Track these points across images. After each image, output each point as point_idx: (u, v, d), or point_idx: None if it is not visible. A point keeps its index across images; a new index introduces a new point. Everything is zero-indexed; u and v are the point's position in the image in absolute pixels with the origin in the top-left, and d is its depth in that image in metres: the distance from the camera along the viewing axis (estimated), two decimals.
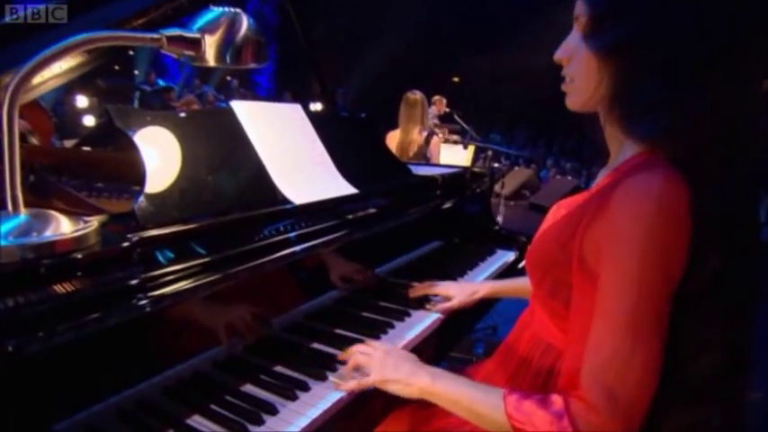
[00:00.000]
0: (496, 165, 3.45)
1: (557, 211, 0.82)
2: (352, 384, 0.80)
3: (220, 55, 0.79)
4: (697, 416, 0.68)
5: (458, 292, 1.18)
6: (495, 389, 0.70)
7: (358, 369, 0.81)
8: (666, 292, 0.63)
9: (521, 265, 1.59)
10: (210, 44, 0.78)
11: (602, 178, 0.78)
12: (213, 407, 0.76)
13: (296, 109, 1.26)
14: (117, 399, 0.68)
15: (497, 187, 3.94)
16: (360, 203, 1.20)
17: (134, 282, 0.71)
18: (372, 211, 1.21)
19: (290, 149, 1.17)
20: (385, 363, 0.78)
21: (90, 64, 1.12)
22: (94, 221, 0.73)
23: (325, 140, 1.25)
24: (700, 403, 0.68)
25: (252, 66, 0.85)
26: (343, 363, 0.86)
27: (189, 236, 0.82)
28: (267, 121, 1.16)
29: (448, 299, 1.17)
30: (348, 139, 1.36)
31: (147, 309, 0.70)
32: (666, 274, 0.62)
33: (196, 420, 0.74)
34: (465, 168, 1.76)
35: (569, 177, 7.33)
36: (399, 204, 1.33)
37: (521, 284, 1.14)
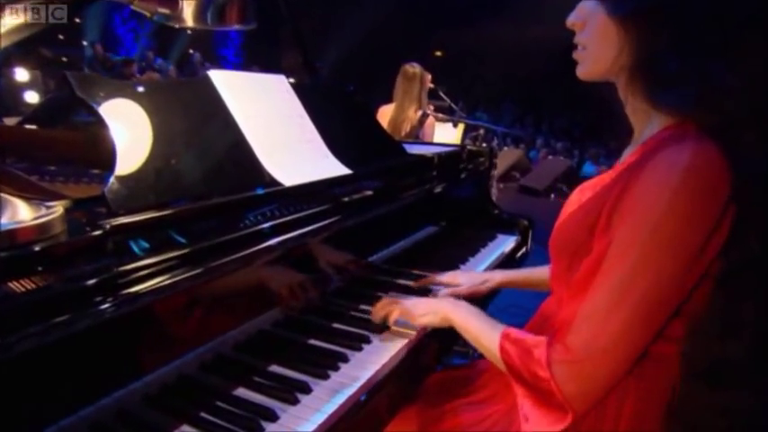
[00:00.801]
0: (489, 145, 3.43)
1: (581, 194, 0.82)
2: (396, 313, 0.95)
3: (200, 13, 0.73)
4: (726, 398, 0.71)
5: (466, 280, 1.18)
6: (502, 325, 0.80)
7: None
8: (674, 268, 0.64)
9: (520, 254, 1.59)
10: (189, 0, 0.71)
11: (628, 155, 0.77)
12: (203, 415, 0.72)
13: (280, 80, 1.21)
14: (90, 410, 0.63)
15: None
16: (355, 185, 1.16)
17: (109, 276, 0.65)
18: (369, 193, 1.17)
19: (276, 126, 1.12)
20: (415, 304, 0.95)
21: (28, 29, 1.02)
22: (59, 207, 0.67)
23: (313, 116, 1.20)
24: (729, 385, 0.71)
25: (236, 27, 0.79)
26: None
27: (169, 223, 0.77)
28: (249, 94, 1.10)
29: (455, 287, 1.16)
30: (337, 114, 1.32)
31: (125, 308, 0.65)
32: (681, 249, 0.63)
33: (183, 430, 0.70)
34: (462, 147, 1.73)
35: (561, 158, 7.40)
36: (396, 186, 1.30)
37: (537, 275, 1.14)
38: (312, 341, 0.94)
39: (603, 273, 0.67)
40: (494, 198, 2.83)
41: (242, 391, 0.78)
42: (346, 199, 1.10)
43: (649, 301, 0.65)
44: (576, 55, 0.76)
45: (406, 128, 3.02)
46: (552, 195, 5.27)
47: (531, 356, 0.71)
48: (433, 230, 1.52)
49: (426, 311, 0.92)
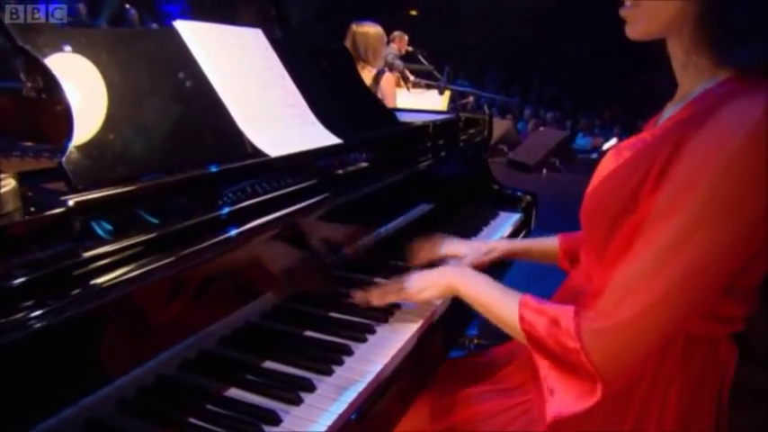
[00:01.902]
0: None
1: (617, 156, 0.81)
2: (392, 296, 0.94)
3: None
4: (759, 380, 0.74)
5: (469, 250, 1.17)
6: (515, 292, 0.80)
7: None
8: (729, 235, 0.64)
9: (524, 233, 1.59)
10: None
11: (674, 112, 0.76)
12: (193, 420, 0.69)
13: (258, 35, 1.15)
14: (56, 421, 0.59)
15: None
16: (347, 156, 1.13)
17: (73, 263, 0.60)
18: (364, 165, 1.14)
19: (256, 88, 1.07)
20: (413, 280, 0.93)
21: None
22: (10, 179, 0.61)
23: (296, 77, 1.15)
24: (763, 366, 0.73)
25: None
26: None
27: (140, 199, 0.72)
28: (224, 51, 1.04)
29: (457, 259, 1.16)
30: (322, 75, 1.28)
31: (92, 300, 0.61)
32: (739, 214, 0.63)
33: None
34: (457, 114, 1.71)
35: (555, 129, 7.45)
36: (391, 158, 1.27)
37: (545, 245, 1.14)
38: (309, 333, 0.92)
39: (648, 235, 0.67)
40: None
41: (235, 392, 0.76)
42: (340, 171, 1.06)
43: (697, 268, 0.64)
44: (624, 12, 0.74)
45: None
46: (544, 171, 5.31)
47: (558, 326, 0.71)
48: (429, 208, 1.50)
49: (426, 285, 0.92)
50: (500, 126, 6.18)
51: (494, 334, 1.38)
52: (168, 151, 0.83)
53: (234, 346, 0.82)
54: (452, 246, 1.19)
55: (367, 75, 3.00)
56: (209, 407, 0.72)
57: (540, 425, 0.77)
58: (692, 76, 0.75)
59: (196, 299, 0.78)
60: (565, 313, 0.72)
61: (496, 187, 1.74)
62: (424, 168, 1.45)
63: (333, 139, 1.13)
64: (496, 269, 1.27)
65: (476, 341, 2.02)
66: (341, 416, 0.71)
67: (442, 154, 1.50)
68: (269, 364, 0.82)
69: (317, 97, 1.17)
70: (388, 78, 3.16)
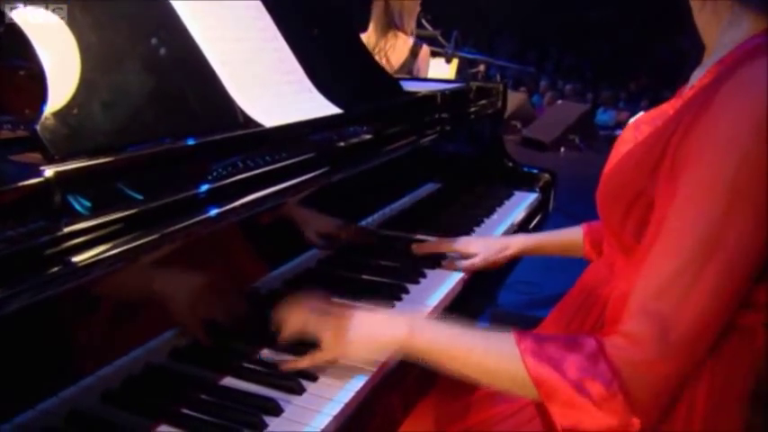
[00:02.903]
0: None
1: (636, 131, 0.81)
2: (306, 361, 0.76)
3: None
4: None
5: (481, 248, 1.16)
6: (500, 333, 0.69)
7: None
8: (760, 221, 0.61)
9: (541, 215, 1.60)
10: None
11: (698, 78, 0.76)
12: (186, 411, 0.71)
13: None
14: (34, 413, 0.61)
15: None
16: (347, 128, 1.13)
17: (52, 238, 0.61)
18: (366, 138, 1.14)
19: (246, 51, 1.07)
20: (343, 321, 0.76)
21: None
22: None
23: (291, 40, 1.15)
24: None
25: None
26: None
27: (127, 170, 0.73)
28: (212, 11, 1.04)
29: (468, 257, 1.16)
30: (319, 38, 1.27)
31: (74, 279, 0.62)
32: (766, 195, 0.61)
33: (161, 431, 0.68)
34: (468, 83, 1.71)
35: (575, 103, 7.37)
36: (395, 131, 1.28)
37: (567, 237, 1.12)
38: None
39: (671, 232, 0.64)
40: None
41: (231, 382, 0.77)
42: (340, 144, 1.07)
43: (734, 266, 0.62)
44: None
45: (392, 61, 2.90)
46: (562, 149, 5.27)
47: (594, 367, 0.63)
48: (437, 187, 1.51)
49: (360, 336, 0.74)
50: (513, 100, 6.12)
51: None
52: (154, 120, 0.84)
53: (227, 332, 0.83)
54: (464, 242, 1.18)
55: (402, 46, 2.87)
56: (204, 396, 0.74)
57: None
58: (712, 34, 0.74)
59: (187, 282, 0.79)
60: (592, 350, 0.64)
61: (511, 164, 1.75)
62: (431, 143, 1.45)
63: (332, 109, 1.13)
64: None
65: None
66: (347, 405, 0.72)
67: (450, 127, 1.50)
68: (266, 353, 0.84)
69: (315, 63, 1.17)
70: (426, 52, 3.09)
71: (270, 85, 1.08)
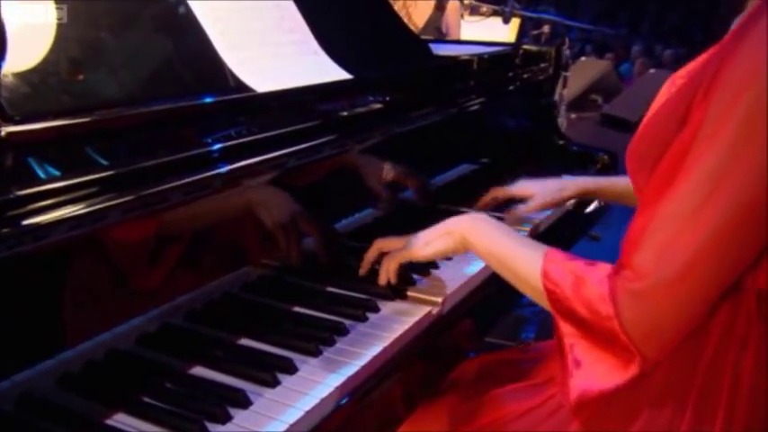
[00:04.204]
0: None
1: (672, 85, 0.83)
2: (394, 264, 0.96)
3: None
4: None
5: (538, 189, 1.25)
6: (541, 244, 0.83)
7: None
8: None
9: (594, 205, 1.58)
10: None
11: (737, 22, 0.77)
12: (147, 400, 0.75)
13: None
14: None
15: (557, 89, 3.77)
16: (357, 96, 1.16)
17: (4, 200, 0.65)
18: (378, 106, 1.17)
19: (242, 7, 1.10)
20: (418, 234, 0.96)
21: None
22: None
23: None
24: None
25: None
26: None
27: (92, 134, 0.77)
28: None
29: (525, 201, 1.26)
30: None
31: (26, 243, 0.65)
32: None
33: (119, 420, 0.72)
34: (514, 46, 1.70)
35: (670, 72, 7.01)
36: (418, 101, 1.29)
37: (624, 183, 1.18)
38: (298, 309, 0.96)
39: (687, 166, 0.69)
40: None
41: (201, 371, 0.81)
42: (345, 113, 1.09)
43: (737, 204, 0.66)
44: None
45: (414, 19, 2.87)
46: None
47: (587, 286, 0.73)
48: (466, 169, 1.51)
49: (432, 237, 0.94)
50: (593, 68, 5.91)
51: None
52: (129, 80, 0.88)
53: (204, 319, 0.87)
54: (520, 185, 1.28)
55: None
56: (168, 385, 0.78)
57: (575, 423, 0.79)
58: None
59: (161, 262, 0.83)
60: (598, 271, 0.74)
61: (562, 142, 1.73)
62: (464, 116, 1.46)
63: (340, 74, 1.15)
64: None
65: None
66: (324, 401, 0.75)
67: (487, 98, 1.50)
68: (245, 342, 0.87)
69: (322, 20, 1.19)
70: (454, 7, 3.07)
71: (267, 45, 1.11)
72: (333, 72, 1.16)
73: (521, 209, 1.27)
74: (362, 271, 1.01)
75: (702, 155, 0.67)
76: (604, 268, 0.74)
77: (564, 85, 3.70)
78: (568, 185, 1.27)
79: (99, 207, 0.71)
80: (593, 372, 0.74)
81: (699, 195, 0.67)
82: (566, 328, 0.77)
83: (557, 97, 2.96)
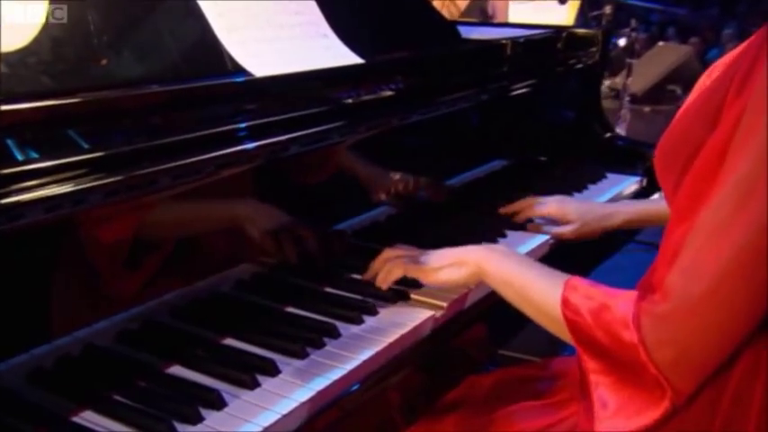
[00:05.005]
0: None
1: (707, 77, 0.83)
2: (398, 271, 0.98)
3: None
4: None
5: (578, 214, 1.23)
6: (562, 274, 0.83)
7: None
8: None
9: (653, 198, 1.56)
10: None
11: None
12: (118, 398, 0.78)
13: None
14: None
15: (619, 79, 3.71)
16: (367, 83, 1.17)
17: None
18: (388, 93, 1.18)
19: None
20: (432, 254, 0.98)
21: None
22: None
23: None
24: None
25: None
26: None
27: (70, 117, 0.81)
28: None
29: (560, 222, 1.24)
30: None
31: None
32: None
33: (85, 418, 0.75)
34: (557, 30, 1.70)
35: None
36: (436, 87, 1.30)
37: None
38: (291, 309, 0.99)
39: (719, 182, 0.69)
40: (620, 126, 2.77)
41: (179, 371, 0.84)
42: (349, 101, 1.11)
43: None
44: None
45: (457, 1, 2.85)
46: None
47: (609, 311, 0.73)
48: (497, 166, 1.52)
49: (443, 263, 0.95)
50: (672, 54, 5.70)
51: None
52: (116, 62, 0.92)
53: (189, 317, 0.90)
54: (556, 204, 1.26)
55: None
56: (142, 384, 0.81)
57: None
58: None
59: (147, 260, 0.87)
60: (623, 296, 0.74)
61: (608, 135, 1.72)
62: (495, 104, 1.47)
63: (351, 59, 1.18)
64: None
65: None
66: (303, 404, 0.77)
67: (521, 87, 1.51)
68: (229, 342, 0.90)
69: (337, 1, 1.22)
70: None
71: (271, 27, 1.13)
72: (342, 57, 1.18)
73: (553, 230, 1.26)
74: (366, 277, 1.03)
75: (734, 166, 0.67)
76: (631, 294, 0.74)
77: (629, 74, 3.66)
78: (615, 215, 1.24)
79: (80, 188, 0.75)
80: (621, 414, 0.73)
81: (727, 210, 0.67)
82: (590, 363, 0.76)
83: (619, 87, 2.89)
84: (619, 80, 3.71)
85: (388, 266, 0.99)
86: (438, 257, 0.97)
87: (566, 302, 0.78)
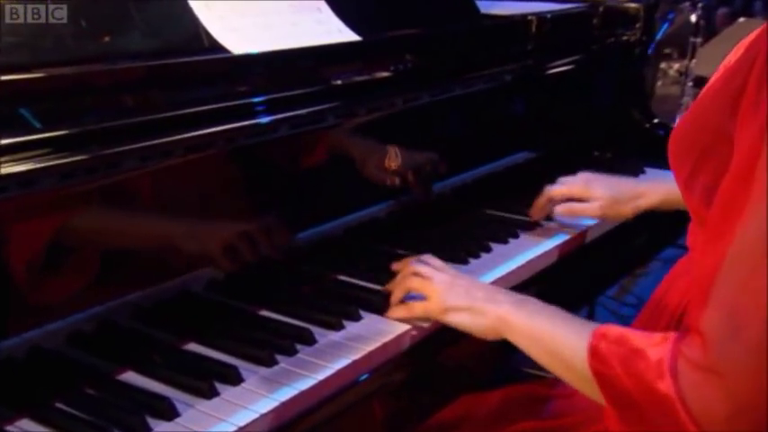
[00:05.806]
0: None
1: (733, 55, 0.83)
2: (403, 311, 0.96)
3: None
4: None
5: (605, 189, 1.21)
6: (594, 323, 0.80)
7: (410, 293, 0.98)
8: None
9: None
10: None
11: None
12: (59, 406, 0.79)
13: None
14: None
15: (682, 63, 3.63)
16: (367, 62, 1.18)
17: None
18: (386, 74, 1.18)
19: None
20: (451, 285, 0.94)
21: None
22: None
23: None
24: None
25: None
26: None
27: (44, 92, 0.83)
28: None
29: (585, 199, 1.22)
30: None
31: None
32: None
33: (19, 426, 0.76)
34: (593, 5, 1.67)
35: None
36: (450, 66, 1.30)
37: None
38: (265, 312, 1.00)
39: (756, 204, 0.66)
40: (680, 113, 2.70)
41: (132, 377, 0.85)
42: (339, 82, 1.11)
43: None
44: None
45: None
46: None
47: (642, 358, 0.70)
48: (521, 159, 1.51)
49: (459, 305, 0.92)
50: (741, 31, 5.66)
51: None
52: (76, 36, 0.93)
53: (151, 320, 0.91)
54: (582, 179, 1.24)
55: None
56: (88, 391, 0.82)
57: None
58: None
59: (110, 243, 0.88)
60: (658, 341, 0.71)
61: (648, 125, 1.69)
62: (517, 89, 1.46)
63: (346, 35, 1.18)
64: None
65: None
66: (265, 416, 0.77)
67: (548, 66, 1.49)
68: (191, 347, 0.91)
69: None
70: None
71: None
72: (336, 34, 1.18)
73: (576, 207, 1.23)
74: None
75: (763, 194, 0.65)
76: (668, 338, 0.71)
77: (692, 55, 3.57)
78: (650, 193, 1.22)
79: (31, 167, 0.76)
80: None
81: (763, 246, 0.64)
82: (614, 413, 0.75)
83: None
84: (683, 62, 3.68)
85: (403, 282, 0.98)
86: (455, 295, 0.93)
87: (593, 352, 0.75)
